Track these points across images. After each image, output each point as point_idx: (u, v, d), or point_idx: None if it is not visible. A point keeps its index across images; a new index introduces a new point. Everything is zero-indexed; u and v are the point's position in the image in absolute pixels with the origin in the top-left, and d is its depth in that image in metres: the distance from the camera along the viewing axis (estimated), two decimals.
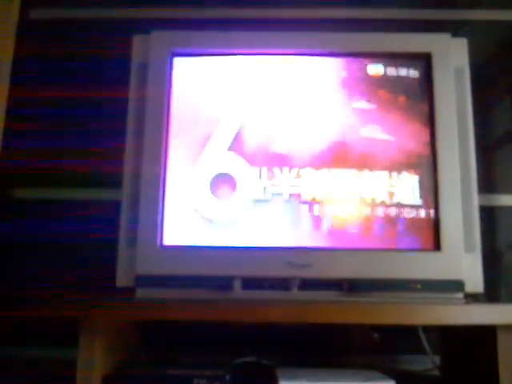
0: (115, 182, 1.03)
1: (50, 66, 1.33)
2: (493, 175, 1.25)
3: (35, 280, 1.19)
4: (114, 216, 0.99)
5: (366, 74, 1.02)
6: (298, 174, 0.98)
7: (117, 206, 0.99)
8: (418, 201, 0.98)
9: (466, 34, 1.05)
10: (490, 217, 1.22)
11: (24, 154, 1.29)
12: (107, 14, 1.36)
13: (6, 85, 1.32)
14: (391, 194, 0.98)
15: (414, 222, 0.97)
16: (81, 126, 1.29)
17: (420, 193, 0.98)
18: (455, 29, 1.04)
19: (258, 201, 0.97)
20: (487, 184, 1.23)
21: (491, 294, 0.96)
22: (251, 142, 0.99)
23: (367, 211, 0.97)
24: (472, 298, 0.94)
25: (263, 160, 0.99)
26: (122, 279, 0.94)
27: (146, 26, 1.05)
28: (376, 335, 1.15)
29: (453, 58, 1.01)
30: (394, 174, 0.98)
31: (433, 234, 0.96)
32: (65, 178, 1.28)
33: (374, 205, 0.97)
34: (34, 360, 1.16)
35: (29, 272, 1.21)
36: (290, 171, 0.98)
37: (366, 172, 0.98)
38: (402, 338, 1.16)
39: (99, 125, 1.27)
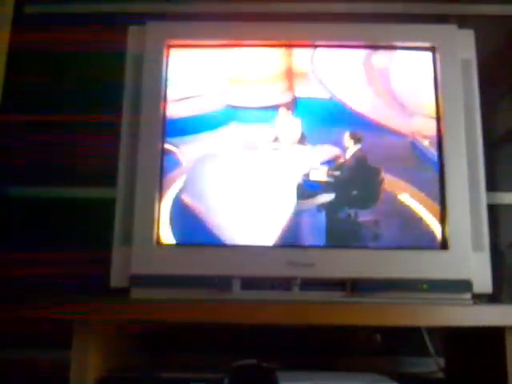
0: (112, 180, 1.01)
1: (45, 60, 1.33)
2: (495, 173, 1.24)
3: (28, 280, 1.17)
4: (109, 214, 0.97)
5: (371, 66, 1.00)
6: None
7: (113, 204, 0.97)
8: (424, 198, 0.95)
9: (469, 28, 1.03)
10: (492, 215, 1.20)
11: (20, 151, 1.28)
12: (102, 9, 1.35)
13: (0, 79, 1.31)
14: (396, 192, 0.95)
15: (421, 220, 0.95)
16: (77, 120, 1.29)
17: (427, 190, 0.96)
18: (458, 23, 1.02)
19: (258, 197, 0.95)
20: (489, 182, 1.21)
21: (494, 293, 0.94)
22: (250, 135, 0.97)
23: (371, 209, 0.95)
24: (475, 298, 0.92)
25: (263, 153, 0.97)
26: (116, 279, 0.92)
27: (142, 20, 1.03)
28: (378, 336, 1.13)
29: (459, 50, 0.99)
30: (399, 171, 0.96)
31: (440, 233, 0.94)
32: (61, 176, 1.27)
33: (378, 203, 0.95)
34: (25, 362, 1.15)
35: (22, 272, 1.19)
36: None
37: (370, 169, 0.96)
38: (405, 339, 1.15)
39: (96, 120, 1.27)
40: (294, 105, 0.98)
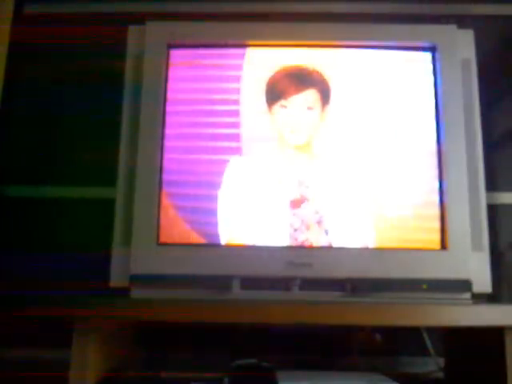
0: (112, 179, 1.00)
1: (45, 60, 1.33)
2: (494, 173, 1.24)
3: (29, 280, 1.17)
4: (109, 214, 0.97)
5: (371, 65, 1.00)
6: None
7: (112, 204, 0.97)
8: (423, 198, 0.95)
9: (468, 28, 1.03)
10: (492, 215, 1.20)
11: (19, 151, 1.29)
12: (102, 9, 1.36)
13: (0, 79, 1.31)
14: (396, 192, 0.95)
15: (420, 220, 0.94)
16: (77, 120, 1.29)
17: (426, 190, 0.95)
18: (458, 23, 1.02)
19: (258, 197, 0.95)
20: (489, 182, 1.21)
21: (493, 293, 0.94)
22: (250, 135, 0.97)
23: (372, 209, 0.95)
24: (475, 298, 0.92)
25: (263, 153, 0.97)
26: (116, 279, 0.92)
27: (142, 21, 1.03)
28: (378, 336, 1.13)
29: (459, 50, 0.99)
30: (400, 170, 0.96)
31: (439, 233, 0.94)
32: (60, 175, 1.27)
33: (379, 203, 0.95)
34: (25, 361, 1.14)
35: (22, 272, 1.19)
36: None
37: (370, 169, 0.96)
38: (405, 339, 1.15)
39: (96, 120, 1.27)
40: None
